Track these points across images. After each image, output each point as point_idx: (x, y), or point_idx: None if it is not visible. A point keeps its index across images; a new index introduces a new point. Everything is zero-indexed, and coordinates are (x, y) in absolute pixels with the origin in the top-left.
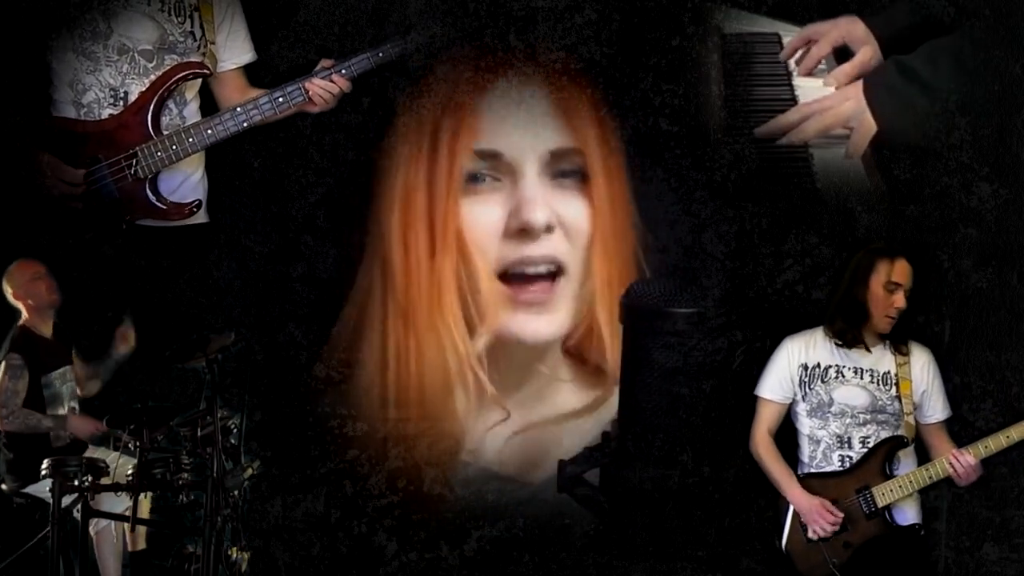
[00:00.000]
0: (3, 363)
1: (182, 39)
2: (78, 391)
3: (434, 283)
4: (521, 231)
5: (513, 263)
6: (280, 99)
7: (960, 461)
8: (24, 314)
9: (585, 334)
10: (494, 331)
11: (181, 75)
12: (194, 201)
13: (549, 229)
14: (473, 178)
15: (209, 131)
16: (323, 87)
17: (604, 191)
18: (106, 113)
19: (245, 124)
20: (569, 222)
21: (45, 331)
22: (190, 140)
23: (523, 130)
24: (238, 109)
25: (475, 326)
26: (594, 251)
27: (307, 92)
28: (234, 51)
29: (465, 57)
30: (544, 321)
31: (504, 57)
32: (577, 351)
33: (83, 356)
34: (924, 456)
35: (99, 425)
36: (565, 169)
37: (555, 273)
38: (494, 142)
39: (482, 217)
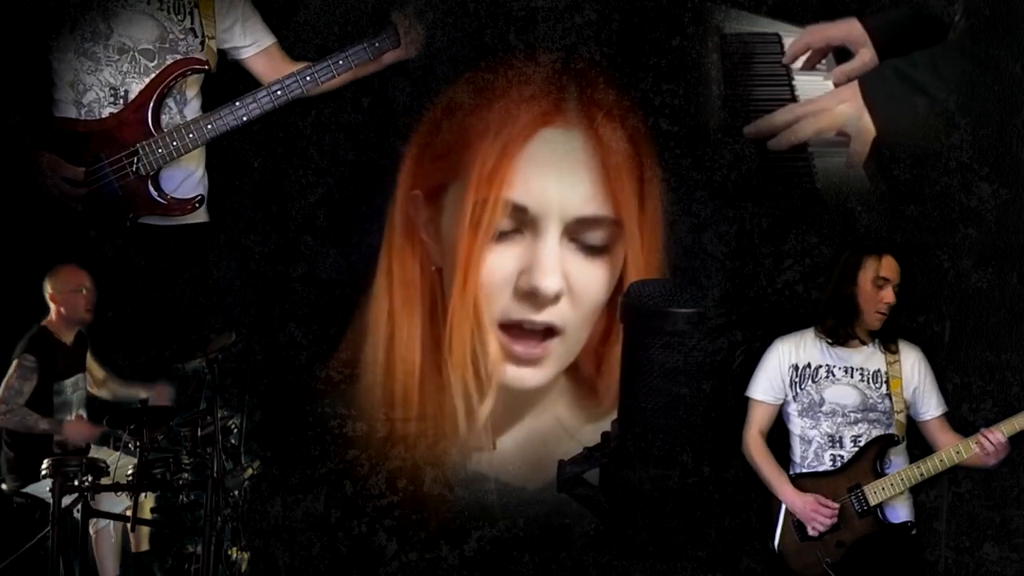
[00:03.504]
0: (16, 361)
1: (183, 37)
2: (90, 388)
3: (447, 328)
4: (529, 294)
5: (516, 321)
6: (278, 92)
7: (990, 438)
8: (52, 316)
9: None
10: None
11: (179, 72)
12: (196, 196)
13: (556, 298)
14: (499, 233)
15: (209, 126)
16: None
17: (632, 261)
18: (107, 112)
19: (244, 118)
20: (579, 289)
21: (66, 338)
22: (190, 136)
23: (556, 187)
24: (237, 103)
25: (484, 386)
26: (599, 316)
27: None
28: (255, 35)
29: (465, 57)
30: (530, 372)
31: (504, 57)
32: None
33: (99, 359)
34: (915, 454)
35: (94, 431)
36: (588, 236)
37: (549, 334)
38: (524, 196)
39: (498, 268)
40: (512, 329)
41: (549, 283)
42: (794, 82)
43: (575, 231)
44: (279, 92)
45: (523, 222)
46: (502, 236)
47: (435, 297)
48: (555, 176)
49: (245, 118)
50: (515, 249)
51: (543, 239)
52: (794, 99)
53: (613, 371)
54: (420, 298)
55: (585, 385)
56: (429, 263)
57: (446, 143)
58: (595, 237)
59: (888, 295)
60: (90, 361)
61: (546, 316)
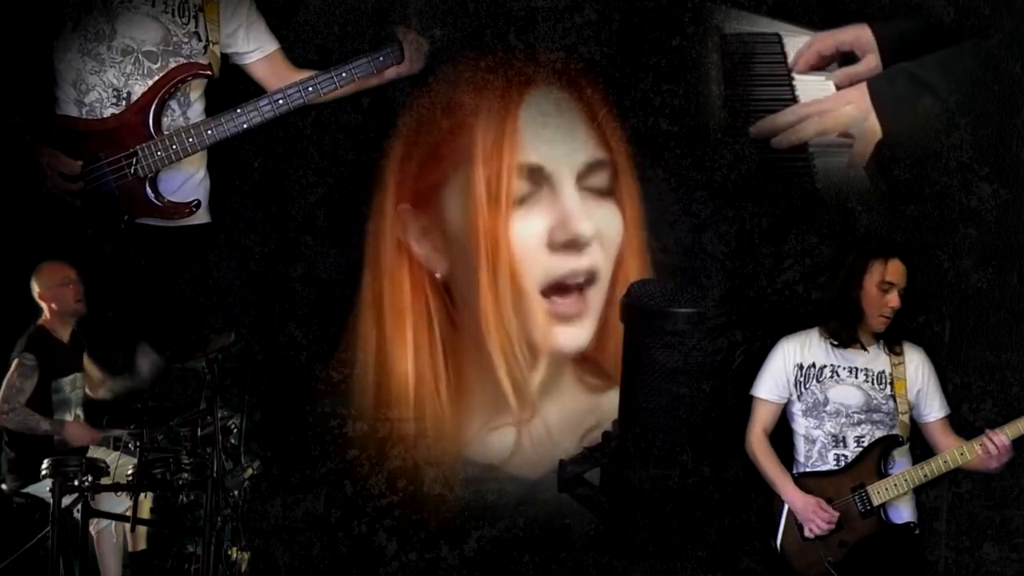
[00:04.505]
0: (16, 360)
1: (187, 40)
2: (88, 391)
3: (480, 304)
4: (568, 244)
5: (561, 277)
6: (280, 100)
7: (995, 440)
8: (46, 315)
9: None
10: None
11: (182, 76)
12: (193, 201)
13: (591, 242)
14: (519, 198)
15: (209, 131)
16: (414, 39)
17: (630, 199)
18: (108, 113)
19: (245, 126)
20: (603, 232)
21: (63, 335)
22: (190, 140)
23: (561, 142)
24: (238, 110)
25: (532, 357)
26: (623, 259)
27: (402, 49)
28: (259, 41)
29: (465, 57)
30: (576, 330)
31: (504, 57)
32: (593, 357)
33: (97, 361)
34: (919, 455)
35: (95, 435)
36: (595, 180)
37: (589, 282)
38: (535, 155)
39: (527, 232)
40: (554, 290)
41: (584, 227)
42: (794, 82)
43: (584, 177)
44: (280, 101)
45: (539, 180)
46: (522, 201)
47: (429, 307)
48: (557, 130)
49: (246, 125)
50: (538, 209)
51: (562, 191)
52: (794, 99)
53: (611, 346)
54: (411, 314)
55: (589, 364)
56: (422, 275)
57: (433, 144)
58: (600, 179)
59: (893, 299)
60: (87, 363)
61: (586, 261)
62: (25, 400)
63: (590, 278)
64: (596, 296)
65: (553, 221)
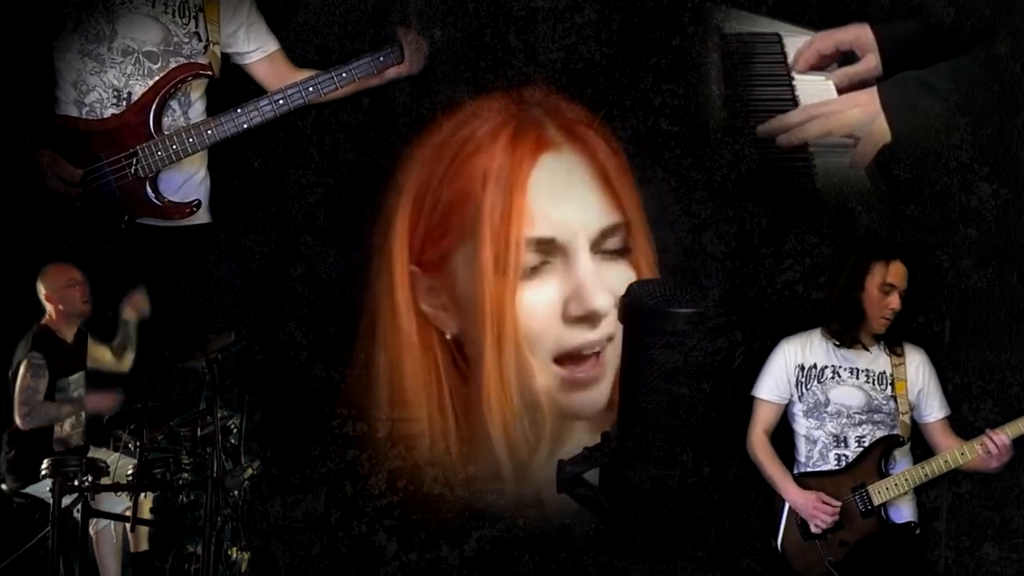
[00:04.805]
0: (25, 361)
1: (187, 40)
2: (114, 369)
3: (483, 381)
4: (584, 318)
5: (576, 348)
6: (280, 101)
7: (995, 440)
8: (50, 315)
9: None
10: (553, 430)
11: (183, 76)
12: (193, 201)
13: (608, 311)
14: (529, 269)
15: (210, 131)
16: (415, 39)
17: (644, 257)
18: (108, 113)
19: (245, 126)
20: (619, 294)
21: (67, 335)
22: (190, 140)
23: (574, 209)
24: (238, 110)
25: (537, 433)
26: None
27: (402, 50)
28: (260, 41)
29: (465, 57)
30: (594, 394)
31: (504, 57)
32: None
33: (102, 340)
34: (920, 456)
35: (115, 399)
36: (608, 243)
37: (606, 345)
38: (546, 227)
39: (539, 304)
40: (569, 359)
41: (602, 302)
42: (794, 82)
43: (598, 243)
44: (281, 101)
45: (551, 252)
46: (532, 272)
47: (438, 363)
48: (569, 198)
49: (246, 125)
50: (551, 281)
51: (577, 262)
52: (794, 99)
53: None
54: (425, 365)
55: None
56: (430, 333)
57: (444, 215)
58: (615, 242)
59: (894, 301)
60: (98, 347)
61: (602, 332)
62: (41, 398)
63: (607, 342)
64: (613, 354)
65: (568, 293)
